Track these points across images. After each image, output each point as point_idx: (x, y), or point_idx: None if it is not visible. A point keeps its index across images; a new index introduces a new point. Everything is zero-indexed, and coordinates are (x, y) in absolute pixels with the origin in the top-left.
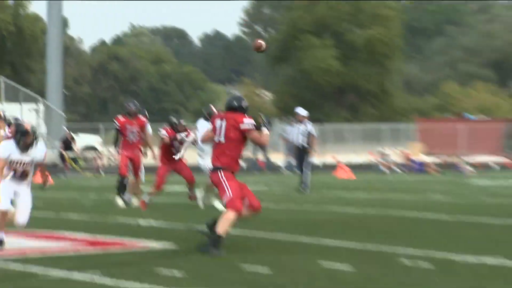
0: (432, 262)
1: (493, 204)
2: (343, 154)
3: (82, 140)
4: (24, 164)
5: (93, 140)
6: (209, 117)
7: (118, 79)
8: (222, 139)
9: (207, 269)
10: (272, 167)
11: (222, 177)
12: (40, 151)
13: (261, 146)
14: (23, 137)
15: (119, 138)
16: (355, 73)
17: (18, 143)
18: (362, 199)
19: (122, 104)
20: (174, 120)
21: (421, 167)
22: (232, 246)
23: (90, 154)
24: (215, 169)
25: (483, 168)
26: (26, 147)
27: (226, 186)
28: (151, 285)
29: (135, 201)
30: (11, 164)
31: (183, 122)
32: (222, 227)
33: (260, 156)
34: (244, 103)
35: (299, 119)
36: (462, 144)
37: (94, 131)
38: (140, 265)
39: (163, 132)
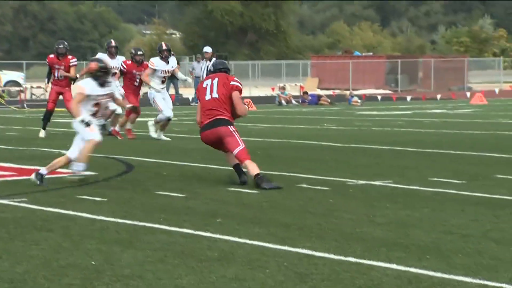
0: (328, 185)
1: (379, 132)
2: (246, 89)
3: (5, 76)
4: None
5: (16, 75)
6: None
7: (37, 19)
8: (216, 95)
9: (126, 195)
10: (182, 101)
11: (234, 130)
12: None
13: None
14: None
15: (51, 75)
16: (255, 14)
17: None
18: (264, 129)
19: (42, 42)
20: (133, 51)
21: (315, 100)
22: (148, 175)
23: (13, 89)
24: (225, 123)
25: (368, 99)
26: None
27: (238, 138)
28: (75, 212)
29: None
30: None
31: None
32: (254, 170)
33: (172, 91)
34: (227, 66)
35: (207, 57)
36: (351, 78)
37: (17, 67)
38: (64, 192)
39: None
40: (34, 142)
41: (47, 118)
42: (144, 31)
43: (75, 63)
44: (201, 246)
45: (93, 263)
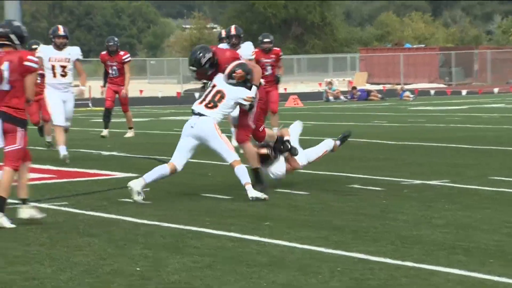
0: (382, 185)
1: (434, 129)
2: (291, 84)
3: None
4: None
5: None
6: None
7: (73, 14)
8: None
9: (170, 198)
10: None
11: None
12: None
13: None
14: None
15: (107, 75)
16: (299, 6)
17: None
18: (311, 127)
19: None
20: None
21: (365, 95)
22: (192, 176)
23: None
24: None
25: (421, 94)
26: None
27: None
28: (118, 216)
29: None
30: None
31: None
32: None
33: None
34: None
35: None
36: (402, 72)
37: None
38: (106, 195)
39: None
40: (73, 143)
41: (107, 117)
42: (184, 26)
43: (128, 59)
44: (250, 251)
45: (138, 269)
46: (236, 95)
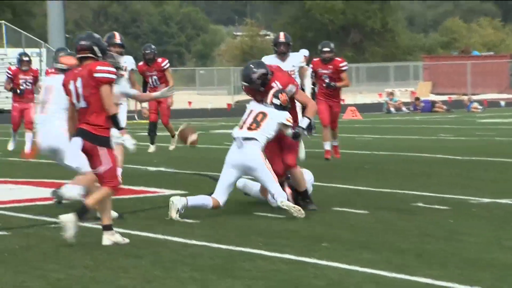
0: (448, 204)
1: (504, 143)
2: (349, 95)
3: None
4: None
5: None
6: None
7: (119, 22)
8: None
9: (220, 216)
10: None
11: None
12: None
13: None
14: None
15: (146, 86)
16: (358, 11)
17: None
18: (371, 141)
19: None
20: None
21: (429, 107)
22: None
23: None
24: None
25: (490, 105)
26: None
27: None
28: (165, 236)
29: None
30: None
31: None
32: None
33: None
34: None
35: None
36: (469, 82)
37: None
38: (152, 214)
39: None
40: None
41: (152, 131)
42: (235, 33)
43: (167, 65)
44: (306, 274)
45: None
46: (278, 116)
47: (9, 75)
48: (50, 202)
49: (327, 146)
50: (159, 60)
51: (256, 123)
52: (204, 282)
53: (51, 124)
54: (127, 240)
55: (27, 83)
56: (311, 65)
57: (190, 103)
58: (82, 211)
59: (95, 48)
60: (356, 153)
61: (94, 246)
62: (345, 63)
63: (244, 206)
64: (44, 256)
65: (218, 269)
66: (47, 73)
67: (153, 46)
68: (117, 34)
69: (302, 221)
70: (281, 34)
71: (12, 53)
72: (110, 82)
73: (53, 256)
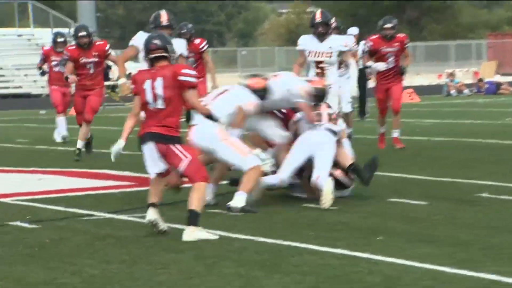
0: None
1: None
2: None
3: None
4: None
5: (132, 67)
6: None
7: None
8: None
9: (267, 208)
10: None
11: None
12: None
13: None
14: None
15: None
16: None
17: None
18: (431, 126)
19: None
20: None
21: (494, 89)
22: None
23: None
24: None
25: None
26: None
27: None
28: (207, 230)
29: None
30: None
31: None
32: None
33: None
34: None
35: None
36: None
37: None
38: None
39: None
40: None
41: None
42: (280, 10)
43: (206, 47)
44: (360, 270)
45: None
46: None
47: (42, 55)
48: (82, 193)
49: (396, 133)
50: (197, 41)
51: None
52: (249, 278)
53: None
54: (215, 237)
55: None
56: (370, 43)
57: None
58: (194, 217)
59: (169, 47)
60: (413, 139)
61: (131, 240)
62: (408, 39)
63: (292, 197)
64: (77, 251)
65: (265, 265)
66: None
67: (190, 25)
68: (163, 14)
69: (355, 212)
70: (318, 13)
71: (39, 34)
72: (193, 87)
73: (86, 251)
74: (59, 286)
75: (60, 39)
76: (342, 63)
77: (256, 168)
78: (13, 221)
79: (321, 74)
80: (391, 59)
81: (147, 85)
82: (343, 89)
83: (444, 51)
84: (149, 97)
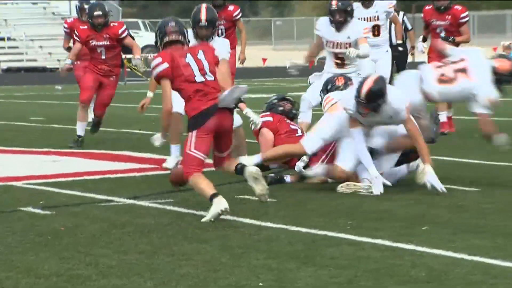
0: None
1: None
2: None
3: (142, 39)
4: None
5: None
6: None
7: None
8: None
9: (300, 194)
10: None
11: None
12: None
13: None
14: None
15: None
16: None
17: None
18: None
19: None
20: None
21: None
22: None
23: (152, 56)
24: None
25: None
26: None
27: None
28: (235, 217)
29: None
30: None
31: None
32: None
33: None
34: None
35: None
36: None
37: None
38: (220, 190)
39: None
40: None
41: None
42: None
43: (240, 15)
44: (403, 263)
45: (260, 284)
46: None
47: (66, 29)
48: (100, 176)
49: (443, 117)
50: (231, 7)
51: None
52: (280, 271)
53: None
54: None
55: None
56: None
57: (264, 60)
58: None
59: (185, 32)
60: (464, 119)
61: (152, 228)
62: (466, 13)
63: (329, 183)
64: (93, 239)
65: (298, 257)
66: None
67: None
68: None
69: (397, 200)
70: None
71: (55, 2)
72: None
73: (103, 239)
74: (73, 278)
75: (86, 5)
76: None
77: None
78: (24, 206)
79: (341, 65)
80: (442, 34)
81: (189, 59)
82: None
83: (500, 21)
84: (195, 70)
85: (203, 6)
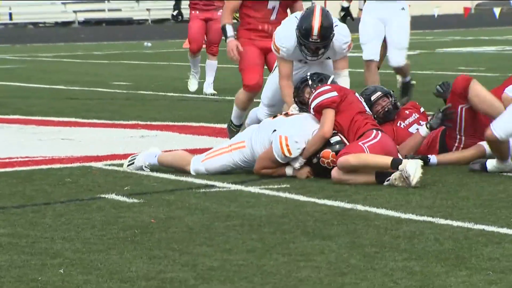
0: None
1: None
2: None
3: None
4: None
5: None
6: None
7: None
8: None
9: (449, 179)
10: None
11: None
12: None
13: None
14: None
15: None
16: None
17: None
18: None
19: None
20: None
21: None
22: None
23: None
24: None
25: None
26: None
27: None
28: (366, 207)
29: None
30: None
31: None
32: None
33: None
34: None
35: None
36: None
37: None
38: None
39: None
40: None
41: None
42: None
43: None
44: None
45: None
46: None
47: None
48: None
49: None
50: None
51: None
52: (425, 276)
53: None
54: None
55: None
56: None
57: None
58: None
59: None
60: None
61: (263, 221)
62: None
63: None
64: (191, 234)
65: (447, 258)
66: None
67: None
68: None
69: None
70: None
71: None
72: None
73: (203, 235)
74: (165, 282)
75: None
76: None
77: None
78: (106, 193)
79: None
80: None
81: None
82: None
83: None
84: None
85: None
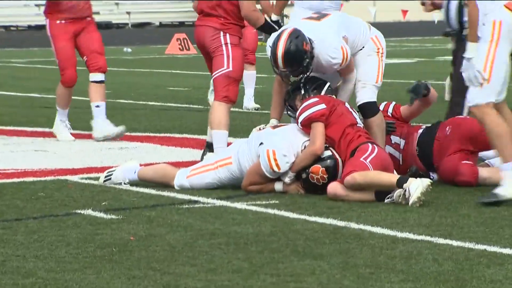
0: None
1: None
2: None
3: None
4: None
5: None
6: None
7: None
8: None
9: (445, 196)
10: None
11: None
12: None
13: None
14: None
15: None
16: None
17: None
18: None
19: None
20: None
21: None
22: None
23: None
24: None
25: None
26: None
27: None
28: (360, 225)
29: None
30: None
31: None
32: None
33: None
34: None
35: None
36: None
37: None
38: None
39: None
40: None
41: None
42: None
43: None
44: None
45: None
46: None
47: None
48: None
49: None
50: None
51: None
52: None
53: None
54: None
55: None
56: None
57: (404, 12)
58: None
59: None
60: None
61: (250, 239)
62: None
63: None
64: (173, 253)
65: (446, 279)
66: None
67: None
68: None
69: None
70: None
71: None
72: None
73: (186, 254)
74: None
75: None
76: None
77: None
78: (83, 208)
79: None
80: None
81: None
82: None
83: None
84: None
85: None
